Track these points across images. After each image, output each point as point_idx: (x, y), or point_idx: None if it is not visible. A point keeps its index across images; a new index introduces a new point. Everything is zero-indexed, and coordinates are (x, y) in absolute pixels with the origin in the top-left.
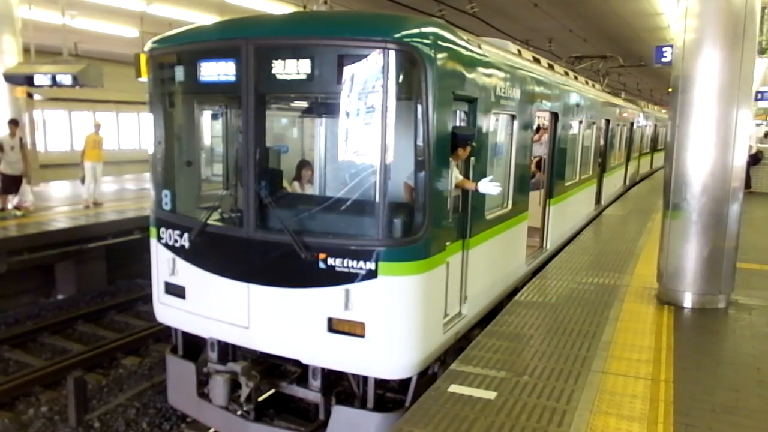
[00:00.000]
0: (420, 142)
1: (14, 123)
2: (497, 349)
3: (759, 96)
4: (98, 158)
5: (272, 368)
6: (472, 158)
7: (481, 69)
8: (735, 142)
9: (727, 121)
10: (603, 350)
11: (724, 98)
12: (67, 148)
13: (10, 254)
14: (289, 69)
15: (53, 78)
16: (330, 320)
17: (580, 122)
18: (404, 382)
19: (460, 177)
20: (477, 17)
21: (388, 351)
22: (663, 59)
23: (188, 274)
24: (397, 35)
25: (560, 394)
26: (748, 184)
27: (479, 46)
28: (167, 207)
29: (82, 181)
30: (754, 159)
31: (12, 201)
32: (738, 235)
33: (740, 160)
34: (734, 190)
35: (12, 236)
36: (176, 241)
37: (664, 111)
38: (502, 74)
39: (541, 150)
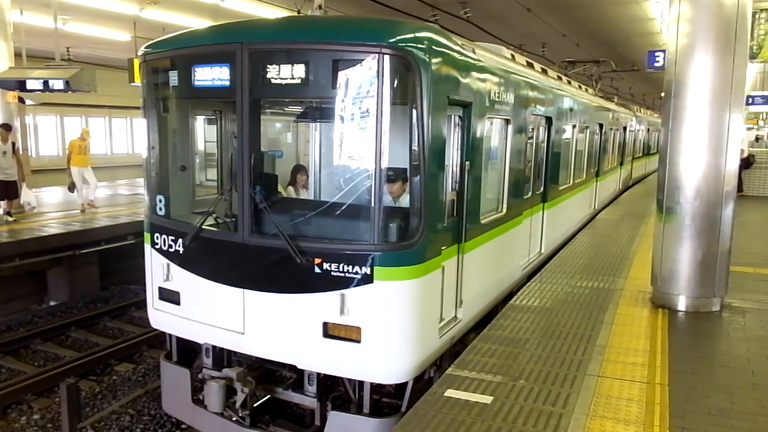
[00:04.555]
0: (415, 147)
1: (7, 128)
2: (493, 354)
3: (750, 100)
4: (84, 163)
5: (268, 374)
6: (467, 162)
7: (475, 74)
8: (727, 146)
9: (719, 126)
10: (598, 354)
11: (717, 102)
12: (59, 152)
13: (1, 261)
14: (284, 74)
15: (45, 83)
16: (325, 325)
17: (574, 126)
18: (400, 387)
19: None
20: (471, 22)
21: (384, 356)
22: (655, 64)
23: (183, 279)
24: (392, 40)
25: (556, 397)
26: (740, 187)
27: (473, 51)
28: (161, 212)
29: (70, 189)
30: (746, 163)
31: (3, 206)
32: (731, 239)
33: (733, 164)
34: (727, 193)
35: (3, 242)
36: (170, 246)
37: (656, 115)
38: (496, 79)
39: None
